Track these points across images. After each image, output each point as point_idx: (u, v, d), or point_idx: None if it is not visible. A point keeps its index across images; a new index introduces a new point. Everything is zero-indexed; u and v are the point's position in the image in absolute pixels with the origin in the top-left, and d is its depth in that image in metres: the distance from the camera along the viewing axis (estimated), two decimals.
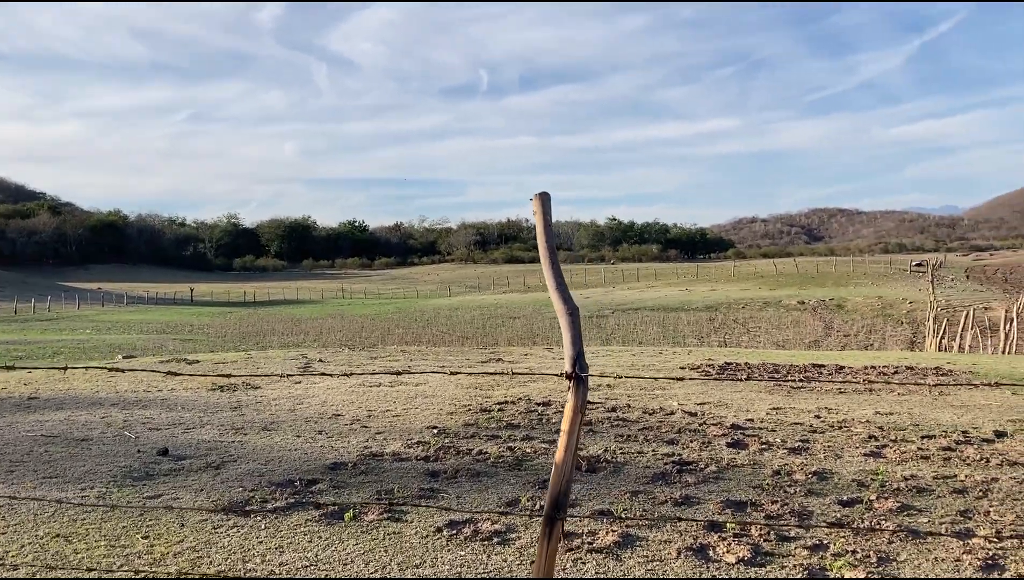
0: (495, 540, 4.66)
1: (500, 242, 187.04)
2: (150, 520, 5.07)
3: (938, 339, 30.13)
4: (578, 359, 3.09)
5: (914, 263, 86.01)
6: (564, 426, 3.15)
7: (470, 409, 9.30)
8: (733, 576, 4.10)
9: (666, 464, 6.44)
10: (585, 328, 51.31)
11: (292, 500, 5.46)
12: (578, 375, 3.07)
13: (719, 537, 4.61)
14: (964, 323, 28.14)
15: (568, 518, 4.91)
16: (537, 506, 5.25)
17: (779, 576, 4.06)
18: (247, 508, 5.30)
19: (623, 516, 5.03)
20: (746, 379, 12.12)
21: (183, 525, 4.95)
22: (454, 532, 4.75)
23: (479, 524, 4.91)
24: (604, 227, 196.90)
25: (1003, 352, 23.66)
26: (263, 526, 4.92)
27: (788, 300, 57.00)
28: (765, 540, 4.59)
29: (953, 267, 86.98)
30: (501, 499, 5.46)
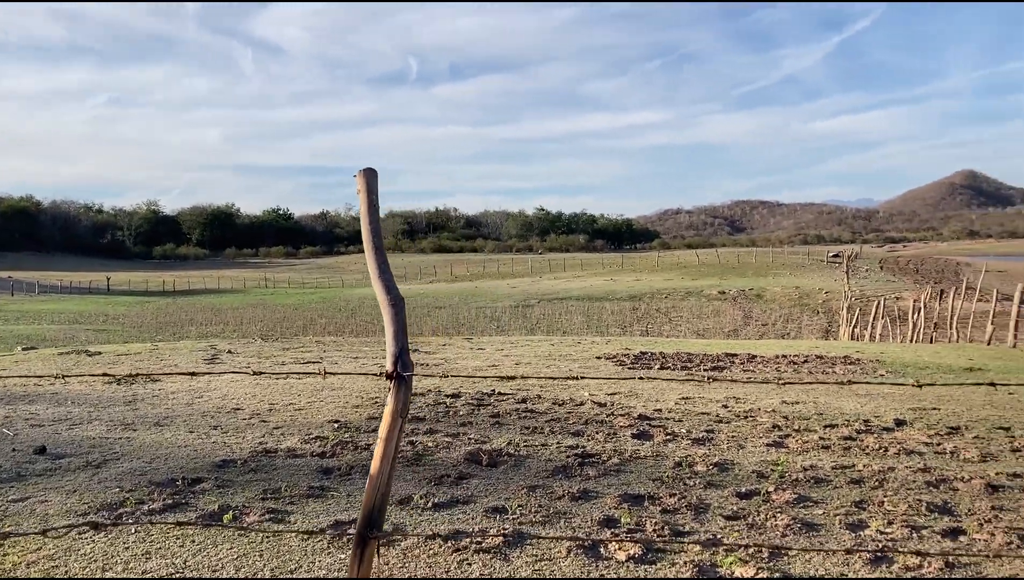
0: (381, 541, 4.44)
1: (429, 231, 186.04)
2: (9, 525, 4.69)
3: (851, 328, 30.97)
4: (400, 356, 2.86)
5: (831, 254, 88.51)
6: (382, 432, 2.91)
7: (377, 402, 9.04)
8: (622, 575, 3.97)
9: (569, 457, 6.31)
10: (511, 317, 51.50)
11: (171, 501, 5.14)
12: (400, 375, 2.83)
13: (612, 533, 4.48)
14: (875, 312, 28.96)
15: (460, 515, 4.73)
16: (430, 503, 5.05)
17: (668, 575, 3.94)
18: (120, 510, 4.96)
19: (517, 513, 4.87)
20: (659, 369, 12.13)
21: (45, 532, 4.59)
22: (337, 534, 4.52)
23: None
24: (533, 217, 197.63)
25: (911, 341, 24.40)
26: (133, 530, 4.60)
27: (709, 290, 58.01)
28: (659, 536, 4.48)
29: (868, 258, 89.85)
30: (394, 496, 5.23)
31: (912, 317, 25.64)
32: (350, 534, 4.41)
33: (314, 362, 13.36)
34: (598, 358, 13.73)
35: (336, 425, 7.74)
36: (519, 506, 5.00)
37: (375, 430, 7.39)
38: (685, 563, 4.06)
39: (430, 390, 9.73)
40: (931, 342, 22.48)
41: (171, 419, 8.02)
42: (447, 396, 9.29)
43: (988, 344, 18.80)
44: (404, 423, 2.89)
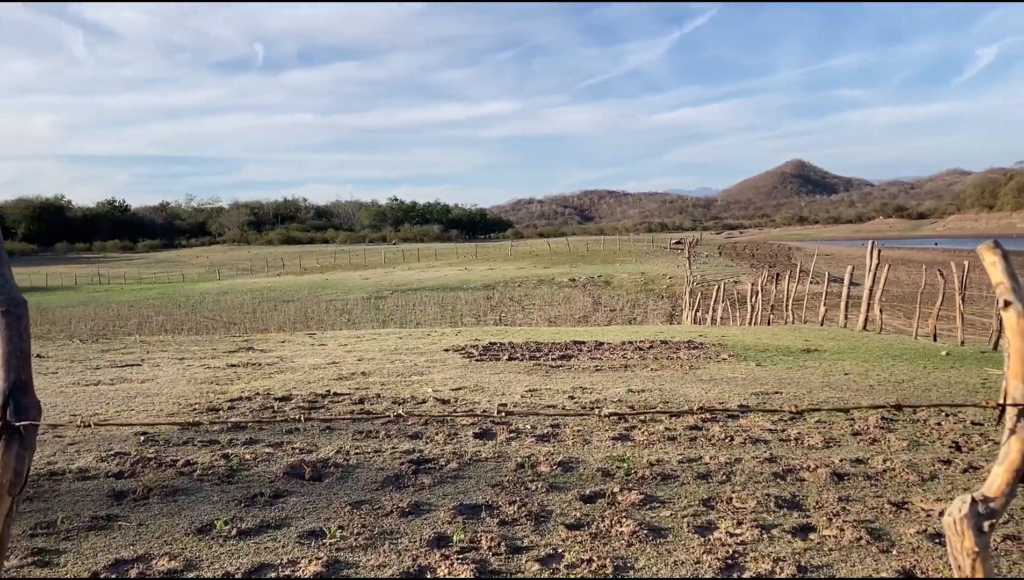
0: None
1: (276, 222, 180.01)
2: None
3: (693, 312, 31.91)
4: (11, 395, 2.01)
5: (673, 241, 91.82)
6: None
7: (196, 408, 8.16)
8: None
9: (403, 463, 5.75)
10: (363, 309, 50.37)
11: None
12: (9, 425, 1.98)
13: (442, 555, 3.96)
14: (716, 296, 29.91)
15: (269, 544, 4.10)
16: (235, 530, 4.37)
17: None
18: None
19: (337, 536, 4.27)
20: (508, 359, 11.75)
21: None
22: (114, 577, 3.78)
23: (153, 562, 3.96)
24: (386, 207, 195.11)
25: (750, 323, 25.29)
26: None
27: (560, 278, 58.75)
28: (494, 554, 4.00)
29: (708, 244, 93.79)
30: (193, 524, 4.52)
31: (751, 300, 26.59)
32: (131, 575, 3.70)
33: (133, 365, 12.18)
34: (446, 351, 13.22)
35: (143, 438, 6.85)
36: (339, 527, 4.40)
37: (187, 442, 6.59)
38: None
39: (258, 393, 8.92)
40: (769, 324, 23.33)
41: None
42: (276, 399, 8.51)
43: (821, 324, 19.62)
44: (17, 503, 2.05)
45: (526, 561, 3.89)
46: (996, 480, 2.44)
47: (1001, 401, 2.51)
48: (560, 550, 4.05)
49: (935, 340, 14.97)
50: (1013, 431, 2.42)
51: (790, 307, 22.91)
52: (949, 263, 15.09)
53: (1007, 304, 2.46)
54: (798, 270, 28.71)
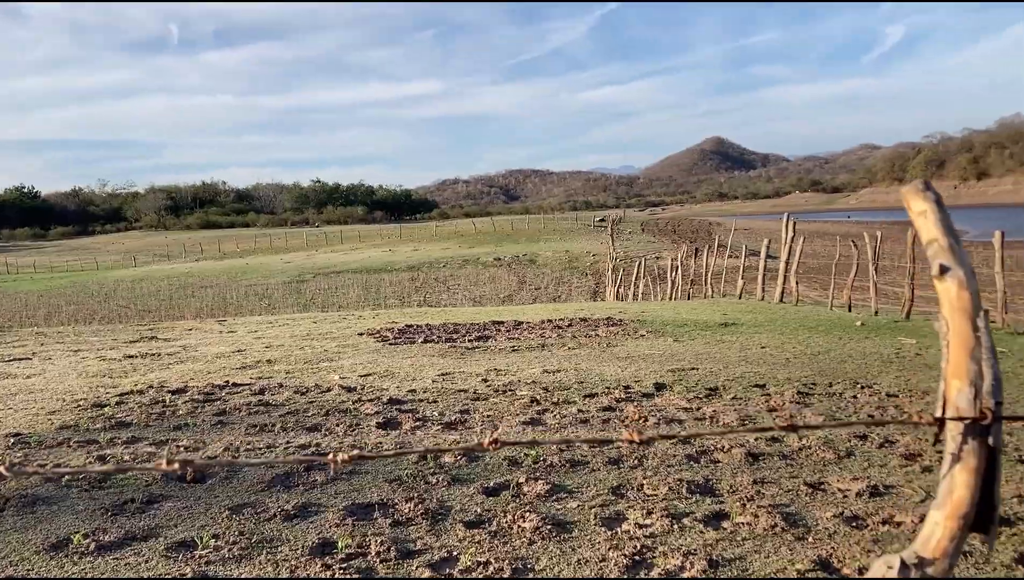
0: None
1: (195, 207, 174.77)
2: None
3: (616, 288, 31.97)
4: None
5: (597, 219, 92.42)
6: None
7: (81, 405, 7.55)
8: None
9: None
10: (284, 294, 49.27)
11: None
12: None
13: (323, 564, 3.58)
14: (637, 272, 29.99)
15: (131, 559, 3.65)
16: (94, 545, 3.90)
17: None
18: None
19: (210, 546, 3.84)
20: (423, 342, 11.36)
21: None
22: None
23: None
24: (308, 189, 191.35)
25: (670, 298, 25.38)
26: None
27: (486, 257, 58.45)
28: (383, 560, 3.64)
29: (631, 221, 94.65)
30: (48, 539, 4.03)
31: (671, 275, 26.70)
32: None
33: (22, 359, 11.37)
34: (360, 335, 12.74)
35: (14, 439, 6.25)
36: (214, 536, 3.97)
37: (62, 443, 6.03)
38: None
39: (151, 386, 8.34)
40: (689, 298, 23.43)
41: None
42: (170, 392, 7.95)
43: (740, 298, 19.74)
44: None
45: (417, 567, 3.54)
46: (935, 533, 1.74)
47: (939, 413, 1.78)
48: (456, 552, 3.71)
49: (850, 310, 15.13)
50: (957, 458, 1.72)
51: (709, 281, 23.03)
52: (862, 234, 15.25)
53: (943, 270, 1.76)
54: (716, 245, 28.97)
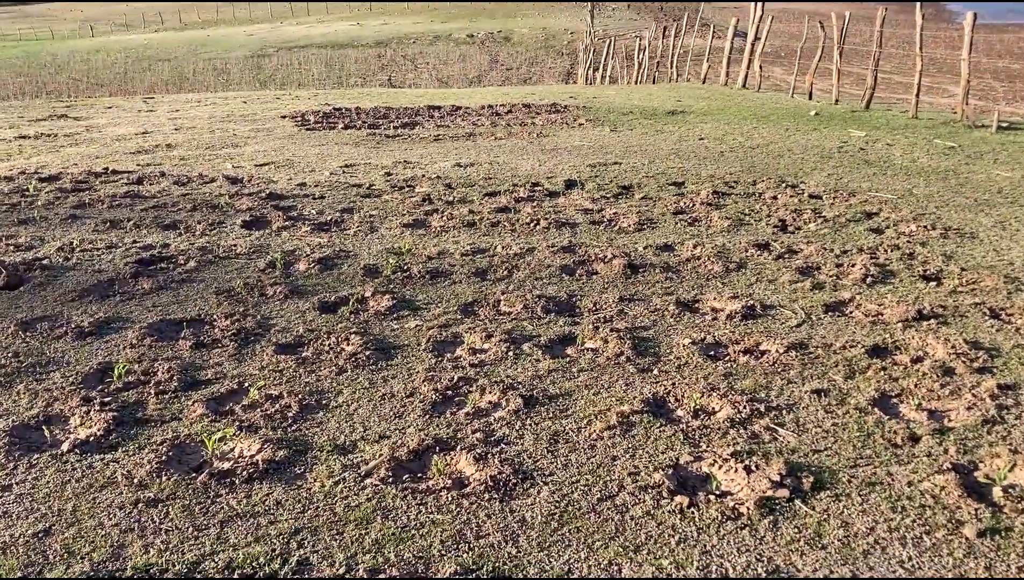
0: None
1: None
2: None
3: (588, 70, 30.50)
4: None
5: None
6: None
7: None
8: (57, 467, 2.64)
9: (131, 264, 4.77)
10: (243, 69, 47.10)
11: None
12: None
13: (83, 398, 3.09)
14: (607, 52, 28.45)
15: None
16: None
17: (129, 465, 2.65)
18: None
19: None
20: (344, 128, 10.55)
21: None
22: None
23: None
24: None
25: (636, 82, 24.17)
26: None
27: (458, 33, 55.58)
28: (159, 393, 3.16)
29: None
30: None
31: (637, 57, 25.31)
32: None
33: None
34: (283, 118, 11.86)
35: None
36: None
37: None
38: (161, 442, 2.78)
39: (24, 172, 7.62)
40: (654, 82, 22.28)
41: None
42: (41, 179, 7.25)
43: (704, 83, 18.71)
44: None
45: (193, 402, 3.07)
46: None
47: None
48: (246, 383, 3.24)
49: (811, 98, 14.27)
50: None
51: (675, 64, 21.77)
52: (829, 14, 14.09)
53: None
54: (699, 23, 27.28)
